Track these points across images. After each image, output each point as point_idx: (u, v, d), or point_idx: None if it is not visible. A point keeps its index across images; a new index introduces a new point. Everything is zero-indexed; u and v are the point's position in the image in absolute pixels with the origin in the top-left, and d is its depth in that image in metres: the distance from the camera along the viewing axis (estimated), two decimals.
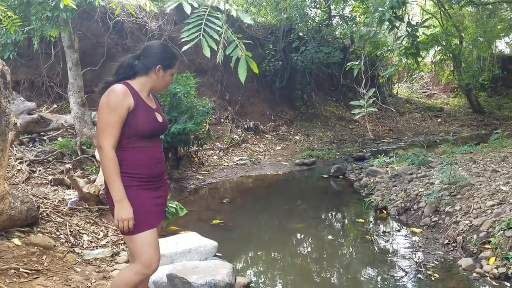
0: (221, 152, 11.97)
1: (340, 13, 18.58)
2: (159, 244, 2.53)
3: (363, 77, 5.23)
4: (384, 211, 6.64)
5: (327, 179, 9.73)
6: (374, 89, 3.79)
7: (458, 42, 19.15)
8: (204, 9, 2.15)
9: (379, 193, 7.55)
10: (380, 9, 4.16)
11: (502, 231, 4.51)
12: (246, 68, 2.20)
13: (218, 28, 2.17)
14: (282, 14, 14.91)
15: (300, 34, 16.23)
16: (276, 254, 5.23)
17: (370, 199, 6.99)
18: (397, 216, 6.40)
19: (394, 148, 14.23)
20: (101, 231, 4.94)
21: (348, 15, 17.72)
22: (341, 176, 9.79)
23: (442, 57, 20.88)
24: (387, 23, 4.24)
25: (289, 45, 16.01)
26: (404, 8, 4.42)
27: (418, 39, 4.56)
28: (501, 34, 19.46)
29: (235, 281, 3.81)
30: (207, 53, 2.23)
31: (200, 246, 4.33)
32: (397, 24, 4.66)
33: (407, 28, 4.53)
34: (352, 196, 8.08)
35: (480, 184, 5.91)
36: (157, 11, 8.07)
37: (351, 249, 5.39)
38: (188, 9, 2.19)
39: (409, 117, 20.46)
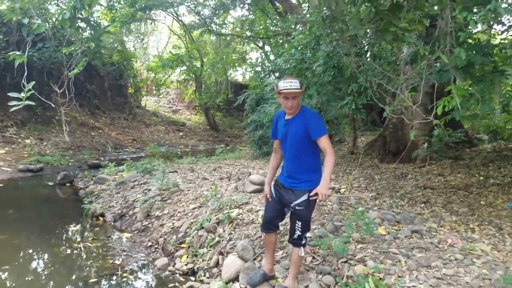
0: None
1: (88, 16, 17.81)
2: None
3: (64, 84, 5.05)
4: (101, 218, 6.57)
5: (53, 187, 9.00)
6: (34, 82, 3.69)
7: (199, 65, 21.23)
8: None
9: (102, 200, 7.45)
10: (63, 7, 4.16)
11: (196, 231, 5.09)
12: None
13: None
14: (15, 3, 13.17)
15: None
16: None
17: (90, 207, 6.81)
18: (113, 223, 6.43)
19: (134, 158, 14.35)
20: None
21: (95, 20, 17.14)
22: (68, 184, 9.23)
23: (186, 77, 22.69)
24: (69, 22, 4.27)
25: (24, 38, 14.27)
26: (90, 10, 4.53)
27: (101, 42, 4.81)
28: (235, 64, 22.65)
29: None
30: None
31: None
32: (81, 25, 4.74)
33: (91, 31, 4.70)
34: (74, 204, 7.67)
35: (189, 190, 6.57)
36: None
37: (53, 258, 5.05)
38: None
39: (154, 129, 21.24)
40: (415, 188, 6.99)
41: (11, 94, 3.50)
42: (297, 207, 3.24)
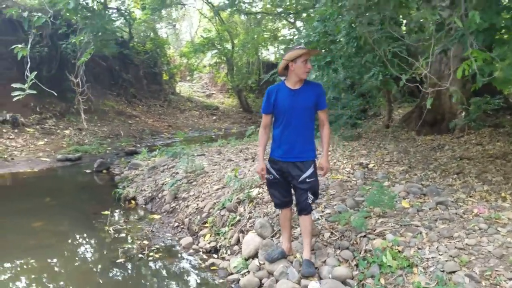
0: None
1: (119, 6, 18.10)
2: None
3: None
4: (133, 202, 6.78)
5: (90, 174, 9.36)
6: (35, 72, 3.76)
7: (230, 47, 21.15)
8: None
9: (135, 184, 7.66)
10: None
11: (218, 211, 5.14)
12: None
13: None
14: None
15: (72, 21, 15.10)
16: None
17: (122, 191, 7.03)
18: (144, 205, 6.61)
19: (169, 143, 14.59)
20: None
21: (126, 9, 17.40)
22: (104, 171, 9.56)
23: (217, 60, 22.71)
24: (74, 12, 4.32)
25: (57, 31, 14.73)
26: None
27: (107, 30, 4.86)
28: (267, 43, 22.33)
29: None
30: None
31: None
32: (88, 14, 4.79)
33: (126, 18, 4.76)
34: (109, 189, 7.92)
35: (213, 172, 6.62)
36: None
37: (84, 241, 5.28)
38: None
39: (188, 114, 21.54)
40: (450, 159, 6.68)
41: (14, 85, 3.62)
42: (307, 180, 3.22)
